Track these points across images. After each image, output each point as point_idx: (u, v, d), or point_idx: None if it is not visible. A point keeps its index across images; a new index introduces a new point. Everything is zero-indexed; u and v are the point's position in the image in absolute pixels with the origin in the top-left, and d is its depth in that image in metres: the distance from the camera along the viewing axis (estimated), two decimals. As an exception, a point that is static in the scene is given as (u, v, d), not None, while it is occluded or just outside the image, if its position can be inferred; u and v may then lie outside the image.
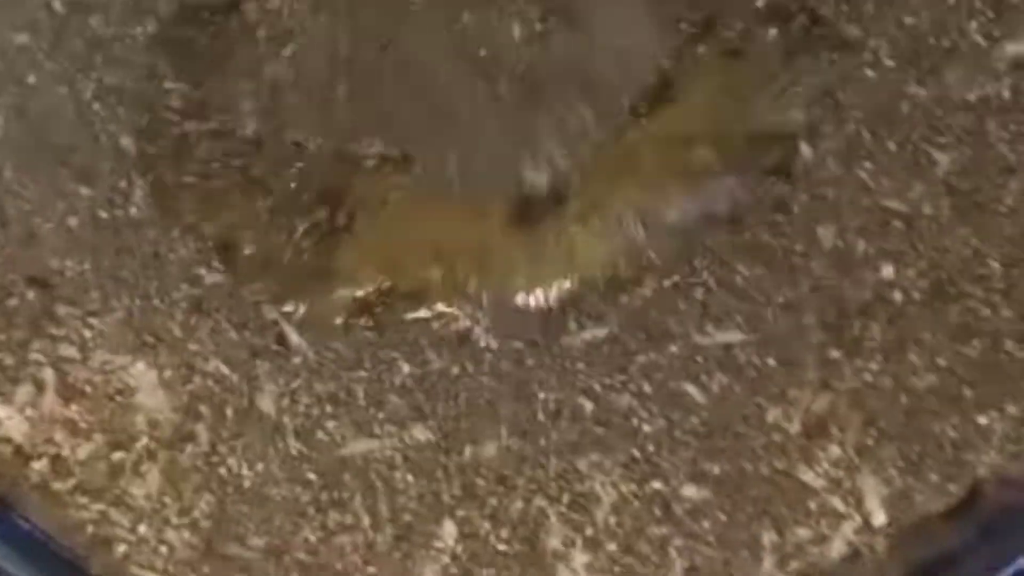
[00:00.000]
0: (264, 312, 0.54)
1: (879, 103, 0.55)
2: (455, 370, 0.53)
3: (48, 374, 0.53)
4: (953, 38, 0.55)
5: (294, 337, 0.53)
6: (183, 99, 0.56)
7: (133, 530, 0.52)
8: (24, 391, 0.53)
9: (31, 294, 0.54)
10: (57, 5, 0.56)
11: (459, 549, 0.52)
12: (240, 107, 0.56)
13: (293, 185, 0.55)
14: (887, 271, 0.54)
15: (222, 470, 0.52)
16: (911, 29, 0.56)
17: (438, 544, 0.52)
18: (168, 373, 0.53)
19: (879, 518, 0.52)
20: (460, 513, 0.52)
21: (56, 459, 0.52)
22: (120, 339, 0.53)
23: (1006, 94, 0.55)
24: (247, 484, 0.52)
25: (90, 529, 0.52)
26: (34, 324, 0.53)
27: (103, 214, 0.54)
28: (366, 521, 0.52)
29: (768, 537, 0.52)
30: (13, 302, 0.54)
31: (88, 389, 0.53)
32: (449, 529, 0.52)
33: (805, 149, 0.55)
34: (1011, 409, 0.52)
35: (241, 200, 0.55)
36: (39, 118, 0.55)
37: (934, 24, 0.56)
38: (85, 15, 0.56)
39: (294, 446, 0.52)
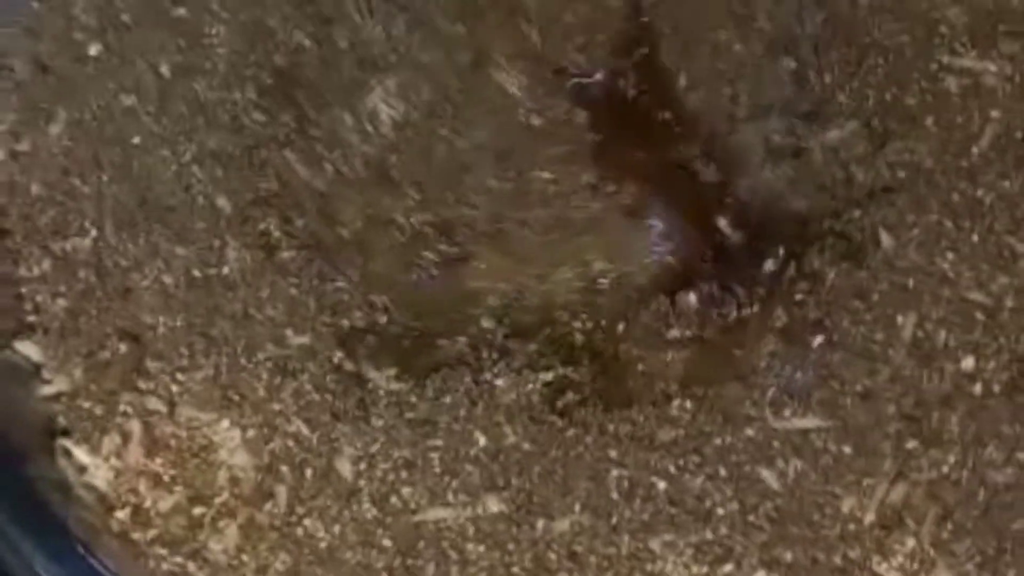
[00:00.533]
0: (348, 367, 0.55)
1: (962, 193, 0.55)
2: (528, 446, 0.53)
3: (135, 426, 0.54)
4: (1039, 131, 0.56)
5: (379, 389, 0.54)
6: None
7: (209, 584, 0.52)
8: (111, 441, 0.54)
9: (123, 347, 0.55)
10: (164, 69, 0.58)
11: (529, 624, 0.52)
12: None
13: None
14: (967, 363, 0.54)
15: (299, 530, 0.52)
16: (997, 122, 0.56)
17: (509, 617, 0.52)
18: (251, 432, 0.53)
19: (954, 613, 0.51)
20: (531, 587, 0.52)
21: (138, 509, 0.53)
22: (206, 396, 0.54)
23: (1092, 188, 0.55)
24: (322, 546, 0.52)
25: (168, 581, 0.52)
26: (124, 377, 0.55)
27: (196, 273, 0.56)
28: (438, 591, 0.52)
29: (840, 628, 0.51)
30: (105, 354, 0.55)
31: (173, 443, 0.53)
32: (520, 603, 0.52)
33: (886, 238, 0.55)
34: (1091, 507, 0.52)
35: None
36: (141, 178, 0.57)
37: (1020, 117, 0.56)
38: (190, 79, 0.58)
39: (369, 510, 0.53)
